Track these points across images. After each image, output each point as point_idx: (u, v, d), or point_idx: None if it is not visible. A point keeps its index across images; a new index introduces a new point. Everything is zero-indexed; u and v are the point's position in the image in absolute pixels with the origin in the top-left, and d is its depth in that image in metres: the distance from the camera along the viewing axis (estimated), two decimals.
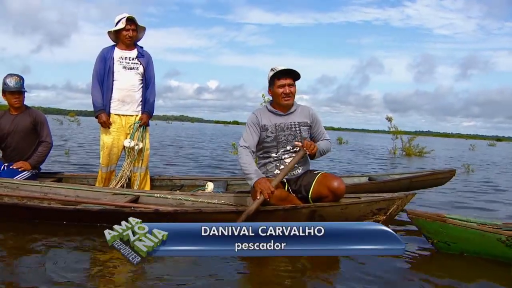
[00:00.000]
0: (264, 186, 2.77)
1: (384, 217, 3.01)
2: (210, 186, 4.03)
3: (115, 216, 2.86)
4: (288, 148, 3.09)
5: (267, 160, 3.14)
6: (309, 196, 3.03)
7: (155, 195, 3.37)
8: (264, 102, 6.65)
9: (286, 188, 3.10)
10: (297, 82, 3.14)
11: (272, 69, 3.09)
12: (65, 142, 11.74)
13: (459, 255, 2.68)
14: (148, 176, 4.04)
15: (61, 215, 3.02)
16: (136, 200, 3.31)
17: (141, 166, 3.90)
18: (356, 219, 3.03)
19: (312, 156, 3.09)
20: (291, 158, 3.04)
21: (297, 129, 3.11)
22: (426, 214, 2.78)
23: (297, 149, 3.04)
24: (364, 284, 2.21)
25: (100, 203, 3.11)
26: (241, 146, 3.04)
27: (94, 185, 3.86)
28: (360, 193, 3.32)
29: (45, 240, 2.66)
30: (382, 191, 3.62)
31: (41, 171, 4.05)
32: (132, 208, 3.00)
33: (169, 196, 3.33)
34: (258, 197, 2.76)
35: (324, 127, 3.29)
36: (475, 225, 2.66)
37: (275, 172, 3.08)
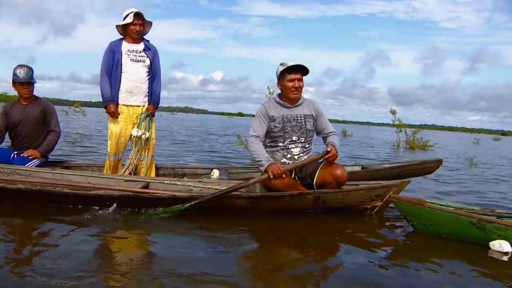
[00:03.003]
0: (274, 167, 2.97)
1: (381, 203, 3.13)
2: (216, 173, 4.13)
3: (135, 200, 3.02)
4: (294, 138, 3.24)
5: (274, 149, 3.28)
6: (314, 183, 3.17)
7: (165, 181, 3.46)
8: (270, 93, 6.73)
9: (292, 176, 3.23)
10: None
11: (282, 64, 3.23)
12: (71, 131, 11.83)
13: (437, 236, 2.80)
14: (154, 164, 4.16)
15: (80, 199, 3.05)
16: (146, 186, 3.40)
17: (147, 154, 4.01)
18: (356, 204, 3.14)
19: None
20: (298, 148, 3.23)
21: (303, 121, 3.26)
22: (407, 198, 2.93)
23: (324, 151, 3.16)
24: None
25: (119, 189, 3.17)
26: (252, 136, 3.19)
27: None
28: (356, 181, 3.43)
29: (54, 224, 2.69)
30: (375, 179, 3.72)
31: (48, 159, 4.15)
32: (150, 194, 3.10)
33: (179, 183, 3.42)
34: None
35: (329, 119, 3.42)
36: (451, 209, 2.80)
37: (282, 160, 3.23)
